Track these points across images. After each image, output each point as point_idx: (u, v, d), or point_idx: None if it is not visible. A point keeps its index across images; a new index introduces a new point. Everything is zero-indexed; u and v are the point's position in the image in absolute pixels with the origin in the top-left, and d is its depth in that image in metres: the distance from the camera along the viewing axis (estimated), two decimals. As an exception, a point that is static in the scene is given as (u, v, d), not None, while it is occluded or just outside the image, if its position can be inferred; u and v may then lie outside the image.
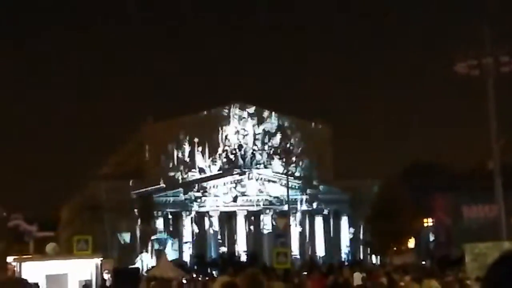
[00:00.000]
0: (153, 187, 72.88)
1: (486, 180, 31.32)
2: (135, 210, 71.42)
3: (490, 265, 1.51)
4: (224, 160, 76.60)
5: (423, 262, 52.71)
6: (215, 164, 76.48)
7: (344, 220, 76.92)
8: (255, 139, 77.97)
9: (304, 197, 75.34)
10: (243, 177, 74.90)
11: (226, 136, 77.42)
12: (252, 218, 74.40)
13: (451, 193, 68.63)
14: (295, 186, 74.54)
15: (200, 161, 76.46)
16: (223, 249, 72.22)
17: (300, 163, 77.83)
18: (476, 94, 30.67)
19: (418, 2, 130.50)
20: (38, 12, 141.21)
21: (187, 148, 76.25)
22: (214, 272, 57.21)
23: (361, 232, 74.11)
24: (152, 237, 69.99)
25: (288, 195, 58.70)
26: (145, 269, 59.50)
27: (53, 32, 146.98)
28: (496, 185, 27.76)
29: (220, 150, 76.87)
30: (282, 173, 75.06)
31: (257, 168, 76.17)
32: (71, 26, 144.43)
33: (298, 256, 68.79)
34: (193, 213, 73.35)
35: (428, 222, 72.88)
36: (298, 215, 74.42)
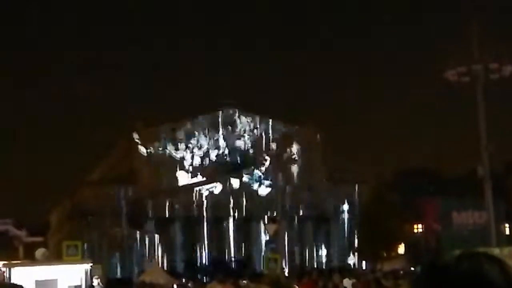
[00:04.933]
0: (143, 192, 72.74)
1: (476, 186, 31.45)
2: (125, 215, 71.24)
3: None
4: (215, 165, 76.55)
5: (412, 268, 52.80)
6: (206, 169, 76.41)
7: (334, 226, 76.99)
8: (245, 143, 77.95)
9: (295, 202, 75.35)
10: (234, 182, 74.89)
11: (217, 141, 77.37)
12: (243, 223, 74.34)
13: (441, 199, 68.89)
14: (285, 191, 74.58)
15: (190, 166, 76.36)
16: (214, 254, 72.13)
17: (291, 168, 77.85)
18: (467, 100, 30.83)
19: (408, 7, 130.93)
20: (26, 8, 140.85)
21: (177, 153, 76.15)
22: (204, 278, 57.13)
23: (351, 237, 74.16)
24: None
25: (278, 200, 58.70)
26: (135, 275, 59.37)
27: (42, 30, 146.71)
28: (486, 191, 27.88)
29: (210, 155, 76.81)
30: (272, 178, 75.10)
31: (247, 173, 76.17)
32: (58, 24, 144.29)
33: (288, 262, 68.78)
34: (184, 218, 73.21)
35: (418, 228, 73.10)
36: (289, 220, 74.40)
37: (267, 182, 75.29)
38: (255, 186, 75.53)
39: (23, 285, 4.66)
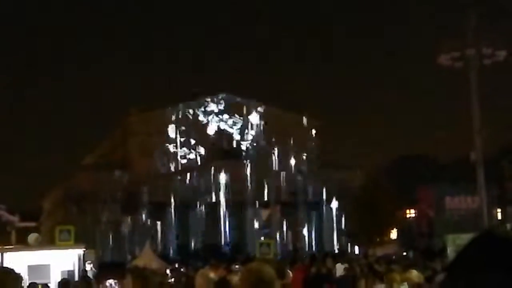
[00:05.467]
0: (137, 178, 72.64)
1: (468, 171, 31.49)
2: (119, 200, 71.16)
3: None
4: (209, 150, 76.48)
5: (405, 253, 53.01)
6: (200, 155, 76.38)
7: (328, 211, 77.10)
8: (240, 129, 77.87)
9: (288, 187, 75.39)
10: (228, 167, 74.79)
11: (211, 126, 77.27)
12: (236, 208, 74.37)
13: (434, 184, 69.02)
14: (279, 176, 74.64)
15: (185, 151, 76.31)
16: (207, 240, 72.17)
17: (285, 153, 77.83)
18: (460, 85, 30.80)
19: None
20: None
21: (172, 138, 76.06)
22: (198, 263, 57.10)
23: (345, 223, 74.28)
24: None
25: (271, 186, 58.80)
26: (128, 260, 59.36)
27: (42, 23, 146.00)
28: (479, 176, 27.91)
29: (205, 140, 76.72)
30: (266, 164, 75.12)
31: (242, 159, 76.10)
32: (59, 16, 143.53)
33: (281, 247, 68.90)
34: (178, 204, 73.21)
35: (411, 213, 73.32)
36: (282, 205, 74.47)
37: (260, 167, 75.23)
38: (249, 171, 75.47)
39: (14, 269, 4.63)
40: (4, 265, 17.89)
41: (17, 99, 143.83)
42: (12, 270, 4.31)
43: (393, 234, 69.16)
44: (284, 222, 74.68)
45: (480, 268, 1.47)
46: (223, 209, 74.17)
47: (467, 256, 1.54)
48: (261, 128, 78.20)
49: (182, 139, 76.24)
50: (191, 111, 77.17)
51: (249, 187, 74.54)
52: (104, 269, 26.43)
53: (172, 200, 73.07)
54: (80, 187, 70.96)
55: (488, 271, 1.46)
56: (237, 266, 23.56)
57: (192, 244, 71.74)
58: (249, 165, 75.85)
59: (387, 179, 66.42)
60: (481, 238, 1.56)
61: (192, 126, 76.44)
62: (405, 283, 14.51)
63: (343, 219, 74.94)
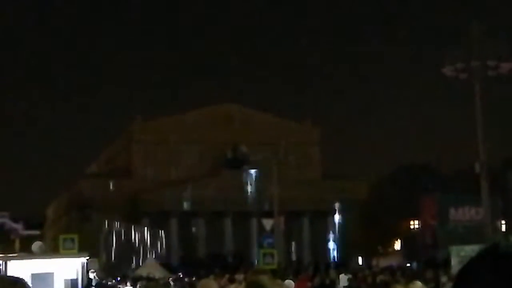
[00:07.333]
0: (140, 186, 72.67)
1: (473, 182, 31.44)
2: (122, 209, 71.14)
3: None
4: (213, 159, 76.47)
5: (408, 264, 52.87)
6: (203, 164, 76.35)
7: (331, 221, 76.96)
8: (243, 138, 77.82)
9: (292, 197, 75.24)
10: (232, 177, 74.75)
11: (215, 136, 77.28)
12: (240, 218, 74.29)
13: (438, 195, 68.83)
14: (283, 186, 74.48)
15: (188, 160, 76.31)
16: (211, 249, 72.07)
17: (288, 164, 77.75)
18: (465, 96, 30.82)
19: (407, 4, 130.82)
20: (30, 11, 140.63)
21: (175, 147, 76.09)
22: (201, 272, 57.03)
23: (348, 233, 74.13)
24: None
25: (275, 196, 58.67)
26: (132, 269, 59.34)
27: (44, 25, 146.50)
28: (483, 188, 27.85)
29: (208, 149, 76.73)
30: (270, 174, 75.02)
31: (245, 168, 76.02)
32: (62, 20, 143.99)
33: (284, 257, 68.76)
34: (181, 213, 73.16)
35: (415, 224, 73.11)
36: (286, 215, 74.33)
37: (264, 177, 75.15)
38: (253, 180, 75.40)
39: (21, 278, 4.59)
40: (8, 273, 17.88)
41: (21, 106, 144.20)
42: (18, 279, 4.26)
43: (397, 245, 69.01)
44: (288, 232, 74.50)
45: (487, 285, 1.47)
46: (227, 219, 74.07)
47: (473, 272, 1.53)
48: (265, 137, 78.16)
49: (186, 148, 76.25)
50: (194, 120, 77.22)
51: (253, 197, 74.45)
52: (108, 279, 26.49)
53: (176, 208, 72.99)
54: (84, 195, 71.02)
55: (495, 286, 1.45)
56: (241, 276, 23.51)
57: (196, 253, 71.62)
58: (253, 174, 75.76)
59: (389, 189, 66.34)
60: (486, 252, 1.54)
61: (196, 135, 76.46)
62: (409, 295, 14.47)
63: (347, 229, 74.80)
